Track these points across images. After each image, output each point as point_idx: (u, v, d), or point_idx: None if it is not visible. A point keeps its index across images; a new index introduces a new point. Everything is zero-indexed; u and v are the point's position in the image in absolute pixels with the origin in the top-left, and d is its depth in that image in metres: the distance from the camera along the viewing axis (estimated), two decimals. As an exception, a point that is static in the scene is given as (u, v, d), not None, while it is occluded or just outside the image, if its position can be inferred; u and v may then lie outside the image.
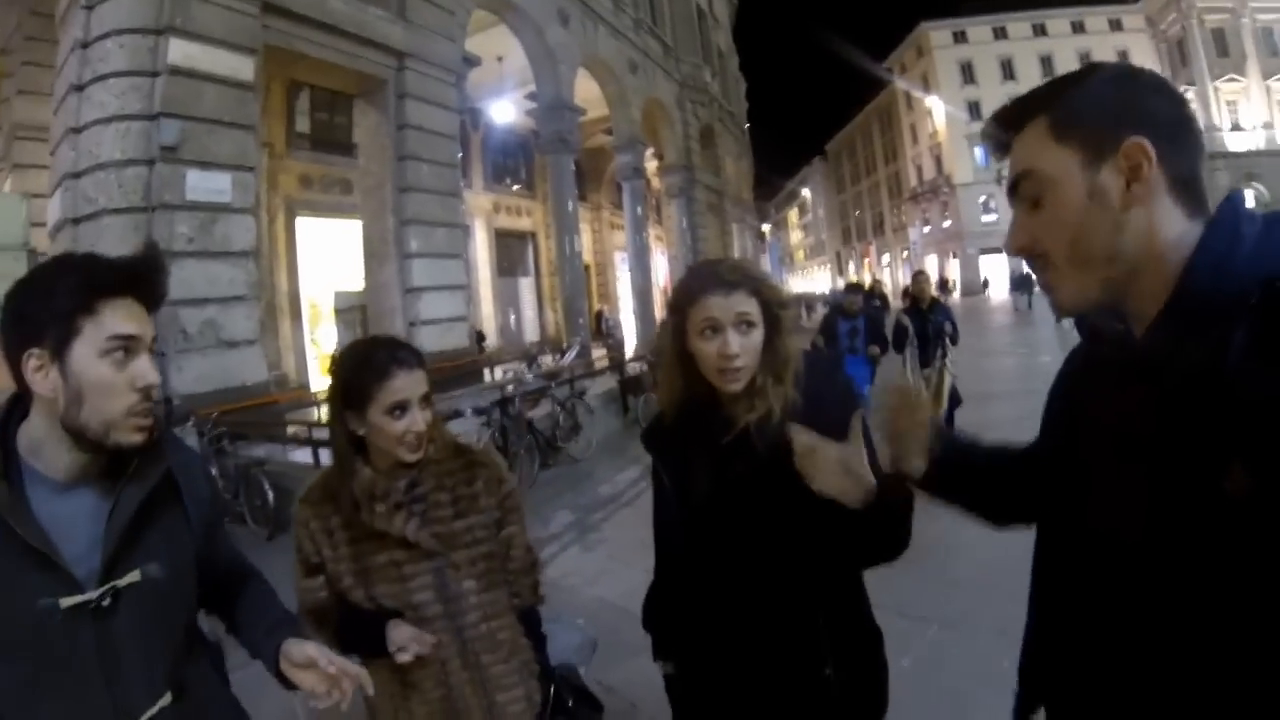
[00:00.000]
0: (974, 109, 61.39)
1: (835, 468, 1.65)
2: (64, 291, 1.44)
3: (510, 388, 11.50)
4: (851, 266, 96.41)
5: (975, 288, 57.21)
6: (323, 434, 8.68)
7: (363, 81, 14.72)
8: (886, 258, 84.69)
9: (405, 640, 2.00)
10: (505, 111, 25.08)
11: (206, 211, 10.89)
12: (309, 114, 19.74)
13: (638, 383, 14.12)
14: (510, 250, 30.06)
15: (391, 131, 14.90)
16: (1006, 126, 1.22)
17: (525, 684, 2.24)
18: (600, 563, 6.84)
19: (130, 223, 10.11)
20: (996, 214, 59.50)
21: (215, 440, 9.44)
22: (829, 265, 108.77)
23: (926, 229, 70.51)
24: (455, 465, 2.22)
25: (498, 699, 2.16)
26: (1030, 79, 54.43)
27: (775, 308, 1.94)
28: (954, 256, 65.10)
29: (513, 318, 29.13)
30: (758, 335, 1.90)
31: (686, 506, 2.03)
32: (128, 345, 1.47)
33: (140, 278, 1.53)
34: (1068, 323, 1.28)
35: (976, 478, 1.56)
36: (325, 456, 7.95)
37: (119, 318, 1.47)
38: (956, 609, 4.68)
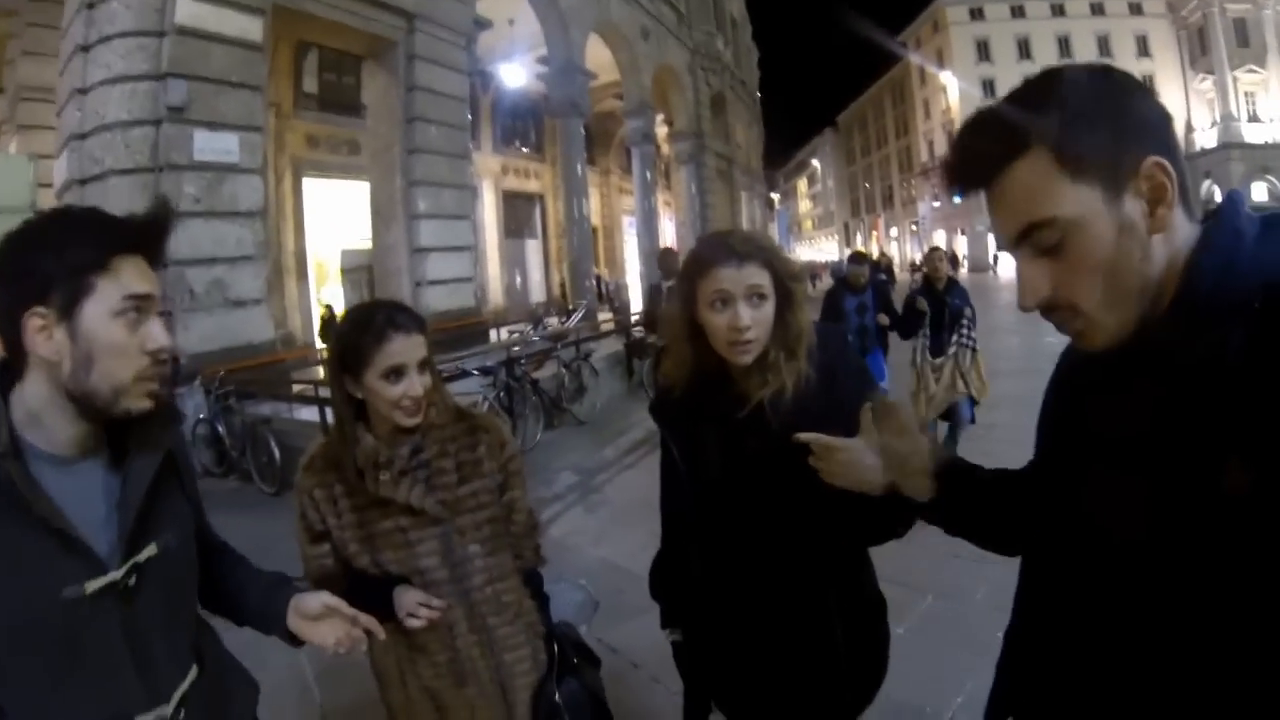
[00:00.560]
0: (988, 87, 60.65)
1: (851, 465, 1.62)
2: (76, 245, 1.34)
3: (516, 349, 11.49)
4: (859, 238, 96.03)
5: (983, 264, 56.86)
6: (328, 392, 8.71)
7: (372, 43, 14.61)
8: (895, 231, 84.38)
9: (413, 606, 2.01)
10: (516, 75, 24.88)
11: (214, 172, 10.86)
12: (317, 74, 19.69)
13: (643, 346, 14.11)
14: (518, 212, 29.99)
15: (401, 93, 14.81)
16: (988, 164, 1.09)
17: (531, 644, 2.26)
18: (603, 524, 6.89)
19: (137, 183, 10.08)
20: (999, 226, 58.94)
21: (222, 398, 9.49)
22: (837, 236, 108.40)
23: (936, 204, 70.05)
24: (458, 430, 2.20)
25: (505, 659, 2.18)
26: (1047, 59, 53.83)
27: (787, 280, 1.91)
28: (962, 233, 64.75)
29: (519, 279, 29.08)
30: (769, 308, 1.88)
31: (697, 481, 2.03)
32: (141, 305, 1.38)
33: (154, 234, 1.46)
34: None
35: (983, 502, 1.48)
36: (332, 415, 8.01)
37: (134, 276, 1.38)
38: (953, 580, 4.70)
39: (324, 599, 1.71)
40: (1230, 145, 52.40)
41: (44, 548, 1.30)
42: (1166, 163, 0.99)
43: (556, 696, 2.29)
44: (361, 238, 17.78)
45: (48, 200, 11.59)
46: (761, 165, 53.11)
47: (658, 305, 8.96)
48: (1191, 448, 0.96)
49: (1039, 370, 1.50)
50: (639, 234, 26.72)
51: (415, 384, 2.01)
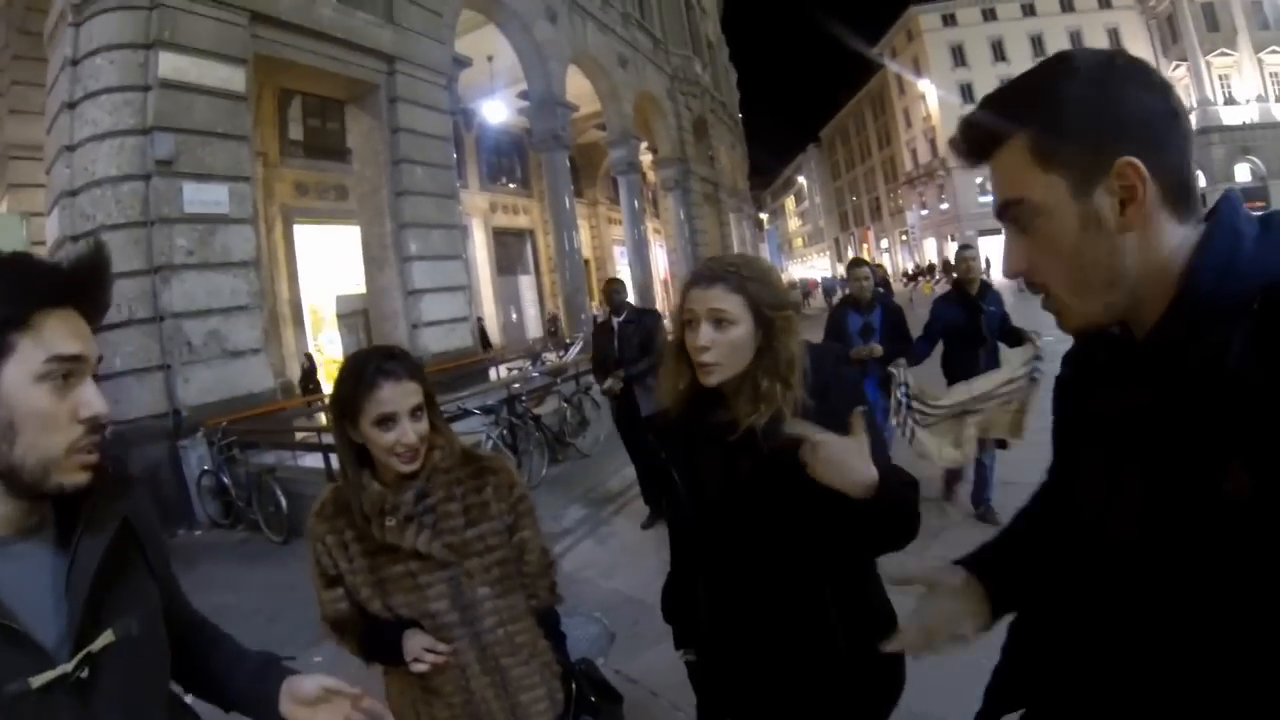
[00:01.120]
0: (966, 91, 61.18)
1: (837, 461, 1.63)
2: None
3: (516, 385, 11.49)
4: (850, 252, 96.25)
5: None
6: (332, 439, 8.70)
7: (354, 87, 14.71)
8: (885, 242, 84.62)
9: (418, 650, 2.00)
10: (498, 111, 25.03)
11: (205, 223, 10.90)
12: (302, 121, 19.77)
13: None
14: (509, 249, 30.07)
15: (385, 136, 14.90)
16: (980, 143, 1.15)
17: (547, 684, 2.24)
18: (614, 555, 6.86)
19: (129, 237, 10.14)
20: (993, 196, 59.23)
21: (226, 449, 9.50)
22: (828, 251, 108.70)
23: (924, 212, 70.36)
24: (464, 473, 2.19)
25: (520, 699, 2.16)
26: (1022, 59, 54.36)
27: (765, 309, 1.91)
28: (952, 239, 64.83)
29: (515, 315, 29.12)
30: (737, 333, 1.89)
31: (697, 502, 2.03)
32: (70, 368, 1.22)
33: (84, 284, 1.29)
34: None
35: (1023, 574, 1.45)
36: (336, 461, 7.99)
37: (60, 334, 1.21)
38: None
39: (321, 681, 1.57)
40: (1209, 129, 52.55)
41: None
42: (1140, 164, 0.99)
43: None
44: (355, 282, 17.81)
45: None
46: (748, 186, 53.34)
47: (605, 346, 7.71)
48: (1191, 449, 0.96)
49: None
50: (630, 263, 26.78)
51: (408, 431, 2.00)
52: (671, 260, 31.61)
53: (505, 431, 9.70)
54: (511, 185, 30.76)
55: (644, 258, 26.29)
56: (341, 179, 19.23)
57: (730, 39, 50.27)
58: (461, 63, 17.34)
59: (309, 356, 18.57)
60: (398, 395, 2.00)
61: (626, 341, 7.52)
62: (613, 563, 6.62)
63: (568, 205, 21.25)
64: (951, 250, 53.14)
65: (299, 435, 9.91)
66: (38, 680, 1.16)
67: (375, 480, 2.07)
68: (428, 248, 15.29)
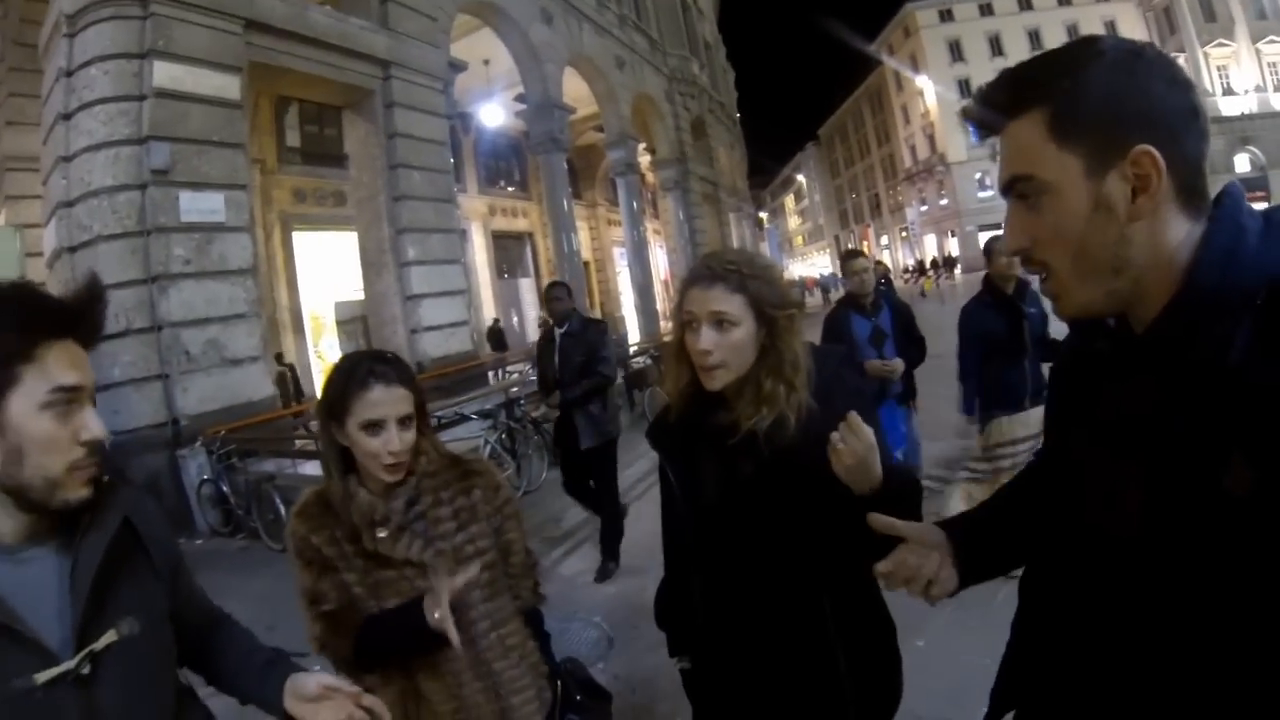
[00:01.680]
0: (964, 87, 61.13)
1: (860, 458, 1.63)
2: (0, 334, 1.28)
3: (515, 389, 11.47)
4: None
5: (976, 264, 57.05)
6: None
7: (350, 93, 14.70)
8: (885, 239, 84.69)
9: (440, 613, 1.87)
10: (495, 114, 25.06)
11: (202, 232, 10.91)
12: (299, 128, 19.81)
13: (642, 377, 14.09)
14: (508, 252, 30.11)
15: (382, 141, 14.89)
16: (996, 113, 1.13)
17: (536, 684, 2.22)
18: (613, 559, 6.84)
19: (127, 247, 10.16)
20: (992, 190, 59.17)
21: (225, 458, 9.52)
22: (828, 249, 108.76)
23: (924, 208, 70.42)
24: (451, 476, 2.17)
25: (512, 702, 2.13)
26: (1019, 54, 53.95)
27: (768, 308, 1.88)
28: (952, 235, 65.02)
29: (515, 319, 29.13)
30: (739, 334, 1.86)
31: (694, 506, 2.01)
32: (71, 397, 1.33)
33: (82, 316, 1.40)
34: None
35: (998, 548, 1.52)
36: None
37: (62, 365, 1.32)
38: (971, 590, 4.67)
39: (322, 679, 1.65)
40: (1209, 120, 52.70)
41: None
42: (1157, 154, 0.99)
43: None
44: (354, 288, 17.81)
45: (38, 270, 11.65)
46: (747, 185, 53.38)
47: (546, 362, 6.76)
48: (1192, 444, 0.96)
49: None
50: (630, 265, 26.79)
51: (394, 439, 1.96)
52: (671, 261, 31.62)
53: (504, 435, 9.71)
54: (510, 188, 30.76)
55: (644, 259, 26.28)
56: (339, 185, 19.21)
57: (727, 39, 50.38)
58: (457, 67, 17.34)
59: (291, 366, 18.24)
60: (388, 400, 1.96)
61: (567, 358, 6.52)
62: (612, 566, 6.61)
63: (566, 207, 21.23)
64: (953, 245, 52.72)
65: (297, 443, 9.90)
66: (42, 677, 1.26)
67: (362, 486, 2.03)
68: (426, 252, 15.29)
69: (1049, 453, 1.37)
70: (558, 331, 6.61)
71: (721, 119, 41.48)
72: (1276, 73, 54.36)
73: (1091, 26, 58.78)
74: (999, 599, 4.48)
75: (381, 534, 1.99)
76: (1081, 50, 1.06)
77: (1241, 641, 0.92)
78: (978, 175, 61.65)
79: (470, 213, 25.97)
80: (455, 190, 17.40)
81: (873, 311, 5.93)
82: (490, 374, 17.70)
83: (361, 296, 16.57)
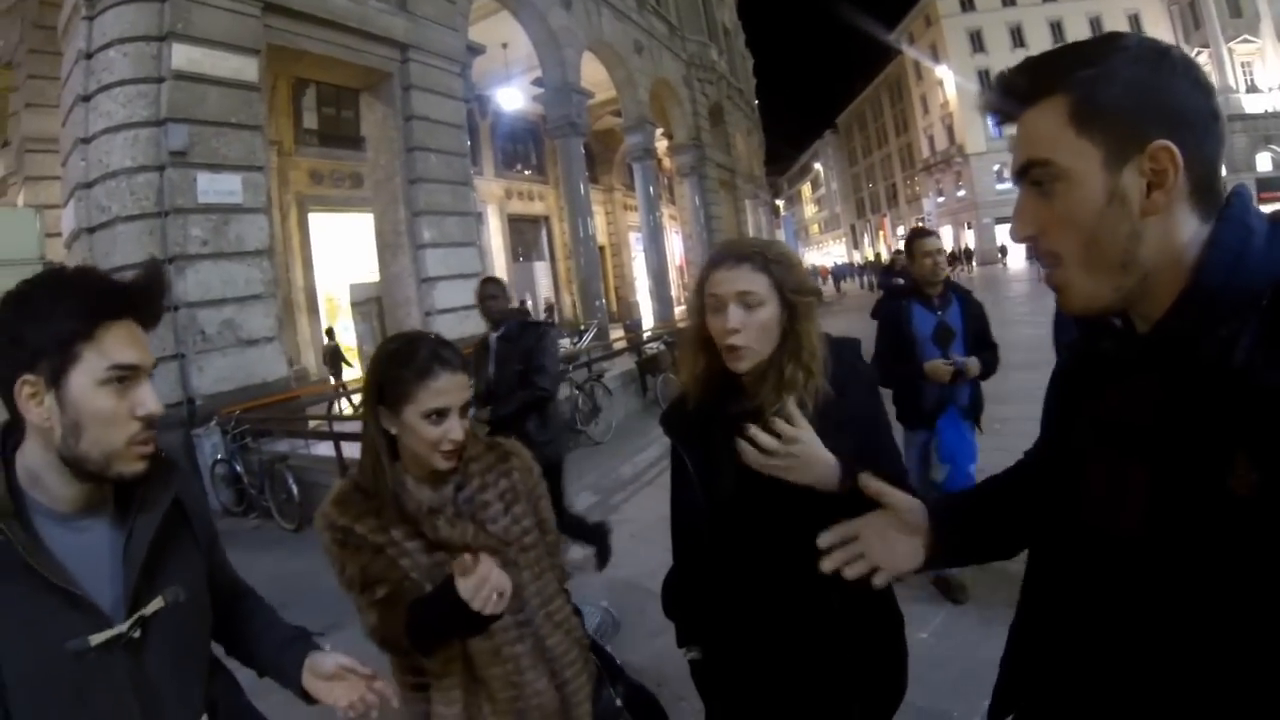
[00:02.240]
0: (984, 78, 60.28)
1: (805, 460, 1.64)
2: (63, 314, 1.35)
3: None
4: (866, 239, 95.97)
5: (991, 257, 56.64)
6: (343, 427, 8.79)
7: (368, 75, 14.71)
8: (901, 229, 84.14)
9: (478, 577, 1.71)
10: (513, 98, 25.00)
11: (219, 213, 10.95)
12: (316, 110, 19.85)
13: (655, 362, 14.12)
14: (524, 235, 30.16)
15: (399, 124, 14.89)
16: (1016, 98, 1.12)
17: (583, 655, 2.22)
18: (623, 543, 6.83)
19: (144, 228, 10.21)
20: (1009, 183, 58.45)
21: (239, 438, 9.57)
22: (844, 238, 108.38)
23: (941, 199, 69.98)
24: (492, 459, 2.15)
25: (566, 675, 2.12)
26: (1040, 46, 53.64)
27: (789, 292, 1.88)
28: (969, 227, 64.61)
29: (530, 302, 29.16)
30: (765, 314, 1.86)
31: (710, 495, 2.00)
32: (128, 374, 1.39)
33: (143, 299, 1.46)
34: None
35: (979, 534, 1.51)
36: (348, 450, 8.03)
37: (121, 345, 1.39)
38: (977, 585, 4.68)
39: (338, 659, 1.71)
40: (1231, 118, 51.46)
41: (48, 603, 1.32)
42: (1175, 150, 0.99)
43: (618, 701, 2.27)
44: (369, 270, 17.86)
45: (57, 250, 11.74)
46: (764, 172, 53.12)
47: (480, 371, 5.72)
48: (1196, 445, 0.96)
49: (1051, 362, 1.50)
50: (646, 250, 26.75)
51: (456, 427, 1.93)
52: (687, 246, 31.54)
53: (516, 419, 9.70)
54: (527, 172, 30.76)
55: (659, 244, 26.22)
56: (356, 167, 19.28)
57: (746, 25, 50.08)
58: (475, 50, 17.31)
59: (330, 330, 18.71)
60: (453, 387, 1.93)
61: (503, 367, 5.68)
62: (621, 551, 6.60)
63: (583, 192, 21.20)
64: (970, 238, 52.14)
65: (311, 424, 9.95)
66: (96, 638, 1.35)
67: (406, 473, 2.00)
68: (442, 235, 15.31)
69: (1047, 452, 1.36)
70: (493, 336, 5.81)
71: (739, 105, 41.29)
72: (1302, 70, 53.54)
73: (1115, 19, 58.17)
74: (1000, 596, 4.52)
75: (440, 522, 1.96)
76: (1106, 43, 1.06)
77: (1244, 641, 0.93)
78: (996, 167, 61.15)
79: (486, 196, 25.96)
80: (472, 173, 17.38)
81: (940, 305, 4.93)
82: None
83: (377, 278, 16.60)
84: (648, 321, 25.35)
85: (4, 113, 17.59)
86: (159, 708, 1.45)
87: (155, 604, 1.46)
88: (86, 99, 10.45)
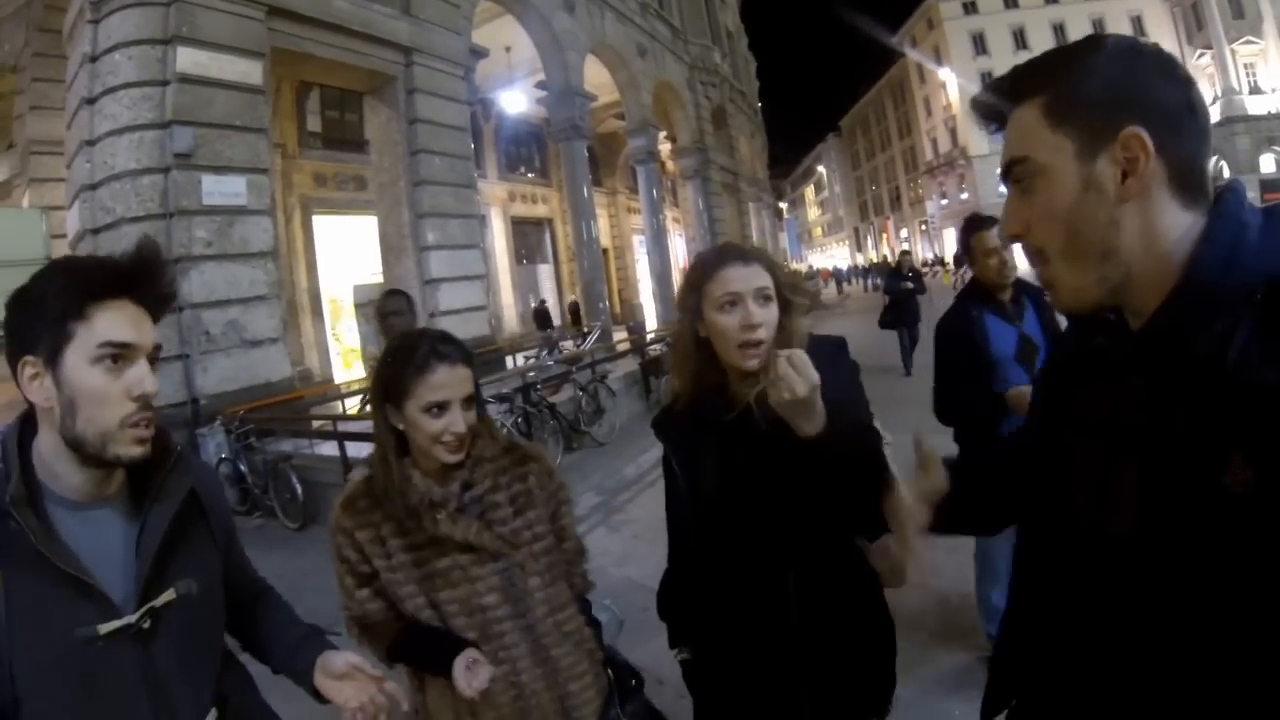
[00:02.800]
0: (987, 80, 60.30)
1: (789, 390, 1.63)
2: (55, 294, 1.36)
3: (532, 374, 11.55)
4: (870, 242, 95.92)
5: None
6: (348, 427, 8.79)
7: (371, 79, 14.72)
8: (905, 232, 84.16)
9: (467, 679, 1.88)
10: (516, 101, 24.95)
11: (224, 215, 10.95)
12: (320, 113, 19.82)
13: (658, 364, 14.14)
14: (528, 238, 30.11)
15: (402, 127, 14.90)
16: (999, 103, 1.17)
17: (593, 669, 2.19)
18: (626, 543, 6.88)
19: (149, 230, 10.12)
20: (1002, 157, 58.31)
21: (243, 437, 9.57)
22: (847, 241, 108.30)
23: (944, 202, 70.06)
24: (508, 461, 2.14)
25: (570, 689, 2.10)
26: (1043, 48, 52.76)
27: (786, 290, 1.93)
28: (972, 228, 64.46)
29: (533, 305, 29.18)
30: (774, 311, 1.90)
31: (695, 497, 2.03)
32: (120, 353, 1.38)
33: (135, 278, 1.44)
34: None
35: (961, 503, 1.51)
36: (352, 449, 8.04)
37: (112, 323, 1.38)
38: (959, 575, 4.67)
39: (349, 659, 1.71)
40: (1234, 119, 51.58)
41: (60, 591, 1.33)
42: (1145, 136, 1.00)
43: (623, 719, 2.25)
44: (373, 272, 17.85)
45: (62, 252, 11.74)
46: (767, 175, 53.07)
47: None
48: (1191, 442, 0.96)
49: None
50: (649, 252, 26.73)
51: (458, 420, 1.94)
52: (690, 249, 31.46)
53: (520, 419, 9.77)
54: (530, 175, 30.70)
55: (663, 247, 26.18)
56: (360, 170, 19.26)
57: (749, 28, 49.94)
58: (479, 53, 17.30)
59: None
60: (452, 381, 1.94)
61: None
62: (625, 551, 6.65)
63: (586, 194, 21.18)
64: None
65: (315, 424, 9.97)
66: (105, 627, 1.36)
67: (415, 469, 2.01)
68: (445, 237, 15.31)
69: (1038, 447, 1.35)
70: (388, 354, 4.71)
71: (742, 108, 41.25)
72: (1306, 71, 53.45)
73: (1117, 21, 58.20)
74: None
75: (441, 515, 1.97)
76: (1084, 44, 1.10)
77: (1239, 639, 0.93)
78: (999, 170, 60.98)
79: (490, 198, 25.95)
80: (475, 176, 17.38)
81: (1016, 315, 3.85)
82: (508, 358, 17.72)
83: (380, 280, 16.60)
84: (651, 323, 25.35)
85: (9, 116, 17.57)
86: (168, 700, 1.45)
87: (167, 596, 1.47)
88: (91, 102, 10.46)
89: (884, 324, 14.11)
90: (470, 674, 1.89)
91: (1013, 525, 1.47)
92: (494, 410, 9.63)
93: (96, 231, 10.25)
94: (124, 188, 10.22)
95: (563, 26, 20.39)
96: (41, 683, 1.31)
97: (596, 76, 22.81)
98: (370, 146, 16.29)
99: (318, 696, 1.73)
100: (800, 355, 1.63)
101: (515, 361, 17.58)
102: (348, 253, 19.88)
